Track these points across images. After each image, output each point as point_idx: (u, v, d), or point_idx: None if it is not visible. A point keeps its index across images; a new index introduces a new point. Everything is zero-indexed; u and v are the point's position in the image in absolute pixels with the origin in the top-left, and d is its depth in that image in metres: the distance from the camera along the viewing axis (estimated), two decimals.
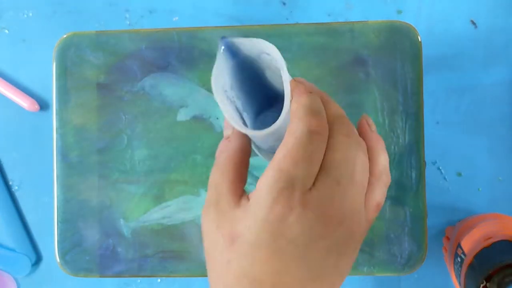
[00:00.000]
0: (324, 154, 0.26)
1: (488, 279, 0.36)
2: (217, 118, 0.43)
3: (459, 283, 0.39)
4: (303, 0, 0.48)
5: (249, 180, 0.43)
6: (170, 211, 0.42)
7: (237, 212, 0.27)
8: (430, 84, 0.46)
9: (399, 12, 0.47)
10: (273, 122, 0.26)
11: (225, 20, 0.48)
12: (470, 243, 0.39)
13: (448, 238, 0.44)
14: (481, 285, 0.36)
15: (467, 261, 0.38)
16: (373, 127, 0.30)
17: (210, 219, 0.27)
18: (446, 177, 0.46)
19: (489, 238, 0.38)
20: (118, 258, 0.43)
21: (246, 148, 0.29)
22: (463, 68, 0.46)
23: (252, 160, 0.43)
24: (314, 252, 0.25)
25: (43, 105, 0.48)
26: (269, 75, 0.29)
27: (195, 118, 0.43)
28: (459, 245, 0.40)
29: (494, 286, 0.35)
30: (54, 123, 0.43)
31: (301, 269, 0.25)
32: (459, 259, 0.40)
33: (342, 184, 0.26)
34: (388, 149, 0.42)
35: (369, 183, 0.28)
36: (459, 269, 0.39)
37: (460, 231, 0.42)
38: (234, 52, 0.27)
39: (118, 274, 0.43)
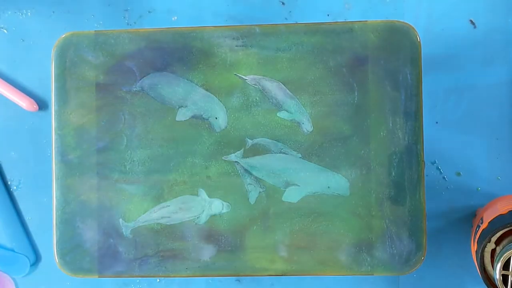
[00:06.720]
0: None
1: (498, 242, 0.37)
2: (216, 118, 0.43)
3: (475, 255, 0.39)
4: (302, 0, 0.48)
5: (248, 180, 0.43)
6: (169, 211, 0.42)
7: None
8: (429, 84, 0.46)
9: (399, 12, 0.47)
10: None
11: (224, 20, 0.48)
12: (490, 213, 0.40)
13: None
14: (487, 244, 0.36)
15: (482, 227, 0.38)
16: None
17: None
18: (445, 176, 0.47)
19: (507, 207, 0.38)
20: (117, 258, 0.43)
21: None
22: (462, 68, 0.47)
23: (251, 160, 0.43)
24: None
25: (42, 105, 0.48)
26: None
27: (194, 118, 0.43)
28: (481, 219, 0.41)
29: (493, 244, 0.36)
30: (53, 123, 0.43)
31: None
32: (477, 229, 0.40)
33: None
34: (387, 149, 0.42)
35: None
36: (475, 238, 0.40)
37: (486, 207, 0.42)
38: None
39: (117, 274, 0.43)
